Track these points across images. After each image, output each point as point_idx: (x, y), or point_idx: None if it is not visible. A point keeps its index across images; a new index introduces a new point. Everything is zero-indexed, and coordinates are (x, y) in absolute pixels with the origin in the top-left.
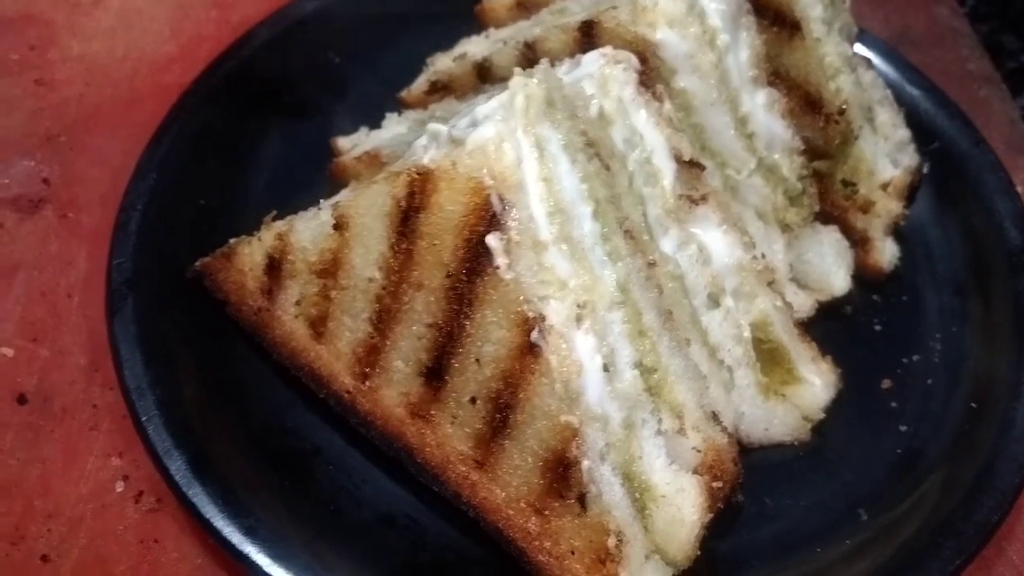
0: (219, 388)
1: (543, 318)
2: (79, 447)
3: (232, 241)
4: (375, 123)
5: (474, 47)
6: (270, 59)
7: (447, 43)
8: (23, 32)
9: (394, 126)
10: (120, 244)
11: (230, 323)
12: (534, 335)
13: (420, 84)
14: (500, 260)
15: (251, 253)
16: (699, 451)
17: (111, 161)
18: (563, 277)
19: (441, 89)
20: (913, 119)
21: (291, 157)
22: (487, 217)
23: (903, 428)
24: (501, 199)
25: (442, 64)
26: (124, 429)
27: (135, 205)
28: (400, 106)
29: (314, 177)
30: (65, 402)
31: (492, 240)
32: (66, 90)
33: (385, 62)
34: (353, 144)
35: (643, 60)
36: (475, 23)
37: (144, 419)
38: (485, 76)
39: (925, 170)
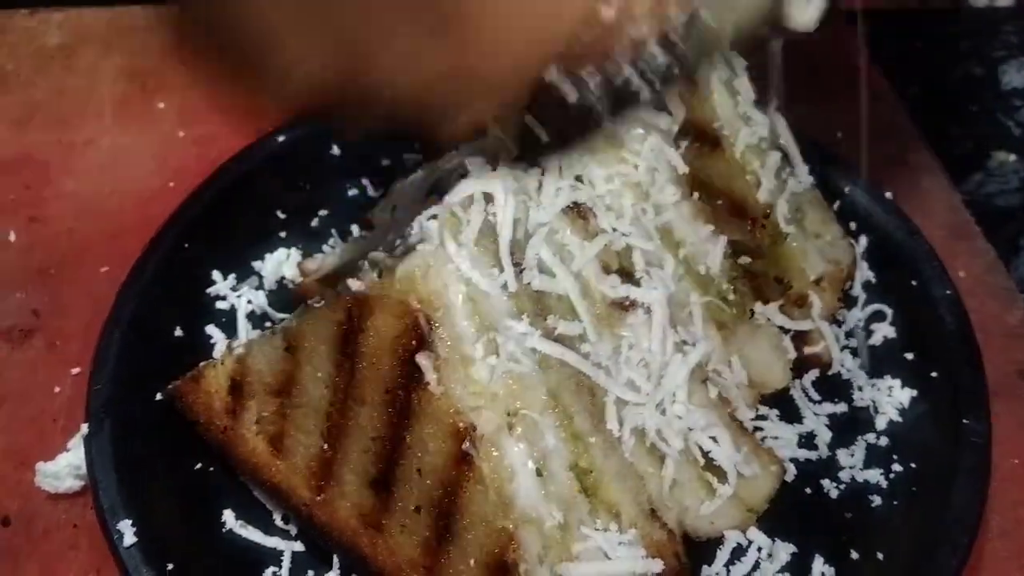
0: (189, 506)
1: (474, 428)
2: (58, 567)
3: (201, 365)
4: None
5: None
6: (243, 190)
7: (415, 165)
8: (20, 173)
9: (355, 247)
10: (99, 370)
11: (201, 443)
12: (465, 444)
13: (384, 205)
14: (430, 376)
15: (216, 376)
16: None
17: (97, 291)
18: (493, 388)
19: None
20: (849, 214)
21: (263, 280)
22: (416, 337)
23: (848, 515)
24: (428, 320)
25: (402, 184)
26: (102, 547)
27: (113, 333)
28: (368, 227)
29: (285, 299)
30: (47, 523)
31: (421, 358)
32: (57, 225)
33: (354, 187)
34: (318, 266)
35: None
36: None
37: (115, 537)
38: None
39: (861, 262)
